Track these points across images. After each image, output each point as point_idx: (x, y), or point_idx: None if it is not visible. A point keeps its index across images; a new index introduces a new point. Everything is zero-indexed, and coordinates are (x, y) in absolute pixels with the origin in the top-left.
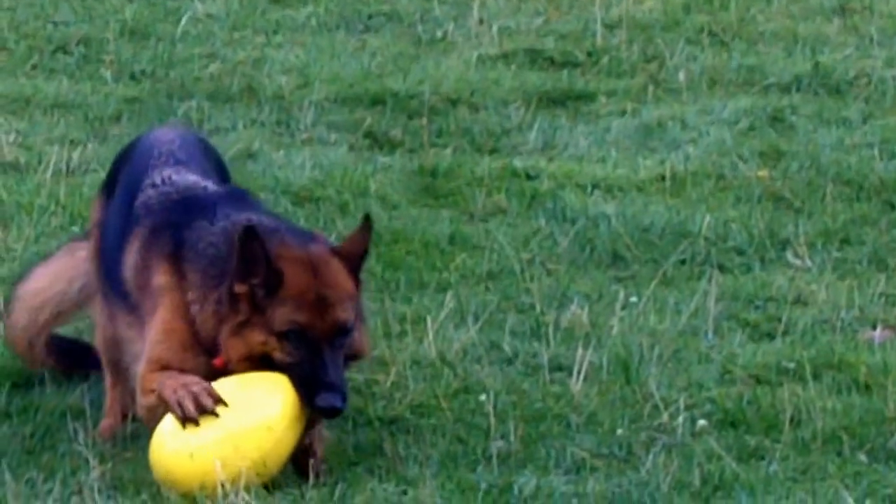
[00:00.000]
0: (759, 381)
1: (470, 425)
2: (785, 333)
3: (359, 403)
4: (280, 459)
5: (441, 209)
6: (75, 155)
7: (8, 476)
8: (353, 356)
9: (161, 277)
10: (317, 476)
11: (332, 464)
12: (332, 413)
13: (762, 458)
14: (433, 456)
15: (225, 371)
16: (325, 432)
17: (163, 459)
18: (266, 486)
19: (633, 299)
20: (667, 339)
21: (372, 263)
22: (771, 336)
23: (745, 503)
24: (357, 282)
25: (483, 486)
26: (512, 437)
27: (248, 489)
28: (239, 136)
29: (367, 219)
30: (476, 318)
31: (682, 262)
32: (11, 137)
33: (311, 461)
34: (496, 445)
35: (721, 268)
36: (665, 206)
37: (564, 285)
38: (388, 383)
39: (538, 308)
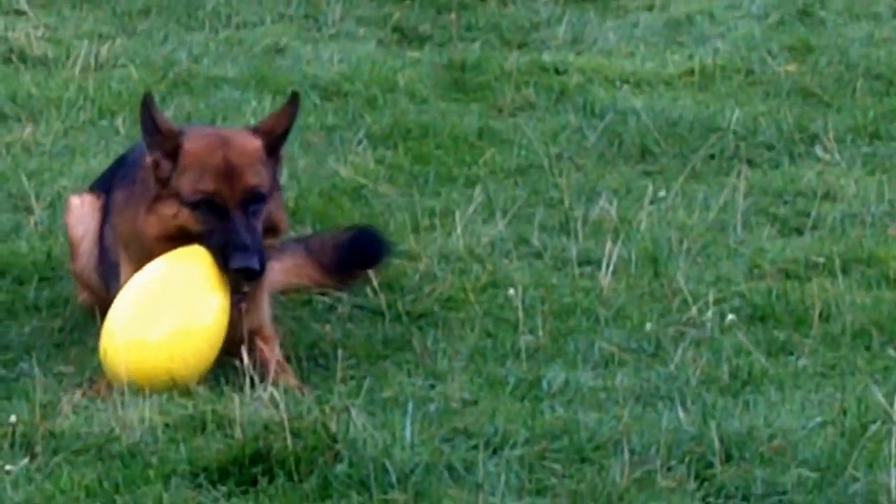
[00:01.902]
0: (787, 275)
1: (498, 319)
2: (814, 228)
3: (387, 297)
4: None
5: (470, 103)
6: (104, 49)
7: (37, 369)
8: (271, 230)
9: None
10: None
11: (359, 358)
12: (248, 274)
13: (791, 352)
14: (462, 350)
15: None
16: (269, 331)
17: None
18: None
19: (662, 194)
20: (695, 234)
21: (400, 157)
22: (800, 231)
23: (773, 398)
24: (273, 155)
25: (511, 380)
26: (540, 332)
27: (275, 384)
28: (267, 31)
29: (294, 95)
30: (504, 213)
31: (711, 156)
32: (40, 32)
33: (266, 369)
34: (525, 340)
35: (750, 162)
36: (693, 100)
37: (593, 180)
38: (417, 277)
39: (567, 202)
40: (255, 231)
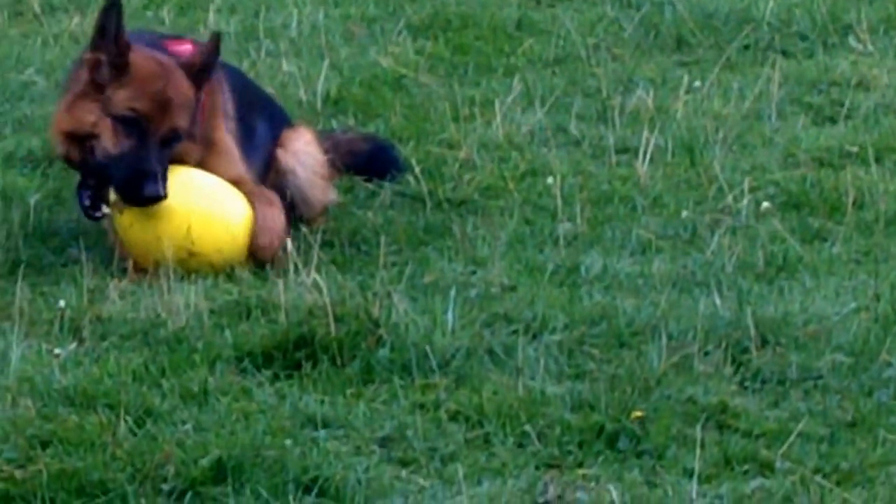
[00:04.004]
0: (821, 163)
1: (537, 207)
2: (847, 117)
3: (428, 185)
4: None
5: None
6: None
7: (84, 255)
8: (177, 161)
9: None
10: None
11: (401, 244)
12: (155, 200)
13: (825, 239)
14: (501, 237)
15: None
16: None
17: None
18: (336, 267)
19: (697, 83)
20: (731, 123)
21: (440, 48)
22: (833, 120)
23: (808, 284)
24: (197, 92)
25: (550, 266)
26: (578, 219)
27: (318, 269)
28: None
29: (216, 36)
30: (543, 102)
31: (746, 47)
32: None
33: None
34: (563, 227)
35: (784, 53)
36: None
37: (630, 70)
38: (457, 165)
39: (604, 92)
40: (166, 162)
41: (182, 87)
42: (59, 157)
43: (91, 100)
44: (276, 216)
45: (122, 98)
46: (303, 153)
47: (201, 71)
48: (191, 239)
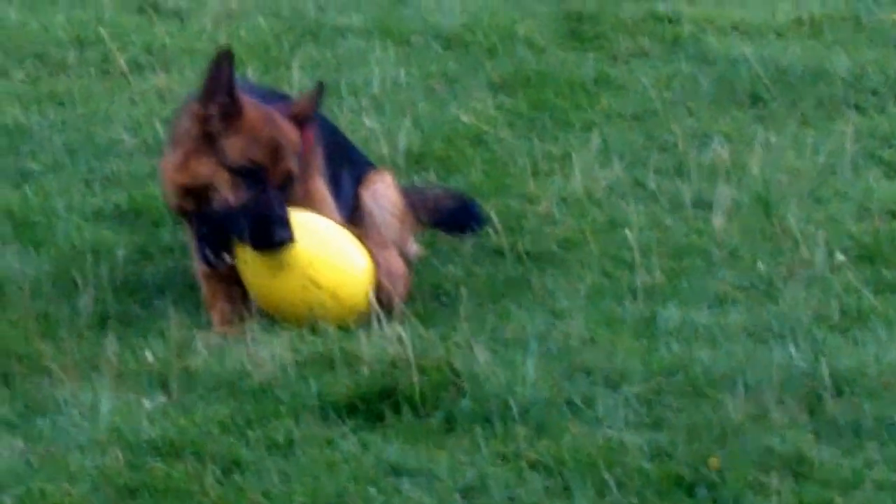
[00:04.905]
0: (894, 216)
1: (615, 259)
2: None
3: (508, 239)
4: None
5: (586, 52)
6: (234, 1)
7: (171, 309)
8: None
9: None
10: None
11: (482, 297)
12: (285, 244)
13: None
14: (580, 289)
15: None
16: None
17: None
18: (418, 320)
19: (773, 138)
20: (805, 177)
21: (520, 104)
22: None
23: (882, 334)
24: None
25: (628, 318)
26: (656, 271)
27: (401, 322)
28: None
29: (320, 85)
30: (621, 157)
31: (820, 102)
32: None
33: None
34: (641, 279)
35: (857, 108)
36: (802, 48)
37: (706, 125)
38: (537, 219)
39: (681, 146)
40: (285, 206)
41: (289, 131)
42: (173, 210)
43: (204, 153)
44: (395, 258)
45: (237, 148)
46: (381, 195)
47: (303, 118)
48: (314, 267)
